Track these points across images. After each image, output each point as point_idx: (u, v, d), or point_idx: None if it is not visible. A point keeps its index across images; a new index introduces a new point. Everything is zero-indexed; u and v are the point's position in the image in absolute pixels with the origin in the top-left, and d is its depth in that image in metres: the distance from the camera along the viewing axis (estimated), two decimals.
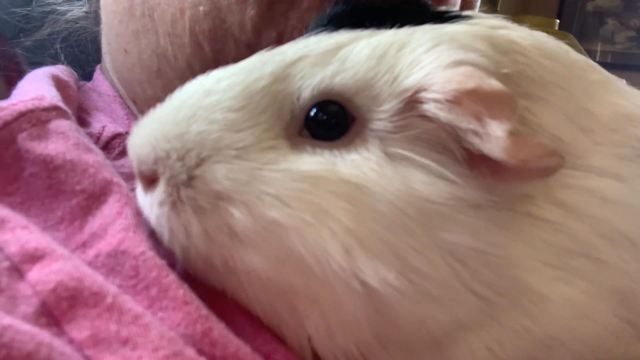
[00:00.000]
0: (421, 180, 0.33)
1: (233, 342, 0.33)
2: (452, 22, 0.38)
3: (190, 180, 0.35)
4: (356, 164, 0.34)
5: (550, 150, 0.32)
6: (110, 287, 0.31)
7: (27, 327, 0.27)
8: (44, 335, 0.27)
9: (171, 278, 0.34)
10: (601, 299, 0.35)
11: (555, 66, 0.37)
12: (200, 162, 0.35)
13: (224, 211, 0.34)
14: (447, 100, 0.33)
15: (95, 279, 0.31)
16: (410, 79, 0.34)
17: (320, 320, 0.34)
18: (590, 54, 2.86)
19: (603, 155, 0.36)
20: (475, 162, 0.34)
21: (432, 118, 0.34)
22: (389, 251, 0.33)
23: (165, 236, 0.36)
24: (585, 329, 0.35)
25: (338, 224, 0.33)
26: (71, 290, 0.30)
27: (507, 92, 0.32)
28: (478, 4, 0.54)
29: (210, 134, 0.35)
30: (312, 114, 0.35)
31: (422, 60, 0.34)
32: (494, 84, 0.32)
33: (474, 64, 0.33)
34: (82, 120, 0.52)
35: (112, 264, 0.34)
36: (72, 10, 0.64)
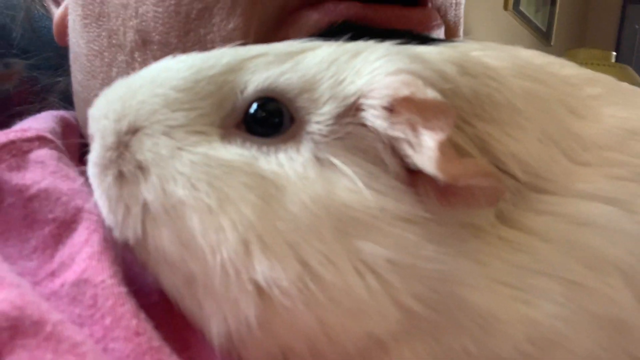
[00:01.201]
0: (346, 187, 0.31)
1: None
2: (433, 44, 0.37)
3: (118, 145, 0.34)
4: (280, 162, 0.32)
5: (486, 170, 0.30)
6: (53, 315, 0.30)
7: None
8: None
9: (126, 307, 0.33)
10: (576, 325, 0.31)
11: (533, 87, 0.34)
12: (134, 130, 0.34)
13: (142, 182, 0.33)
14: (382, 107, 0.31)
15: (38, 307, 0.30)
16: (353, 85, 0.33)
17: (219, 317, 0.32)
18: None
19: (592, 178, 0.33)
20: (417, 181, 0.32)
21: (370, 127, 0.32)
22: (291, 253, 0.30)
23: (96, 199, 0.35)
24: (550, 357, 0.31)
25: (241, 216, 0.31)
26: (12, 320, 0.29)
27: (444, 102, 0.30)
28: (461, 33, 0.52)
29: (148, 105, 0.34)
30: (252, 108, 0.34)
31: (369, 66, 0.33)
32: (429, 93, 0.30)
33: (414, 74, 0.31)
34: None
35: (74, 293, 0.34)
36: None
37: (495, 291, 0.31)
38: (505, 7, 2.93)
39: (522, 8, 3.03)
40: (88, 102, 0.49)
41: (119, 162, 0.34)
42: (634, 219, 0.32)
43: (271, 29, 0.43)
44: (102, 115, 0.35)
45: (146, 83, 0.35)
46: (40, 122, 0.48)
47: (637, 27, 3.51)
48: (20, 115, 0.52)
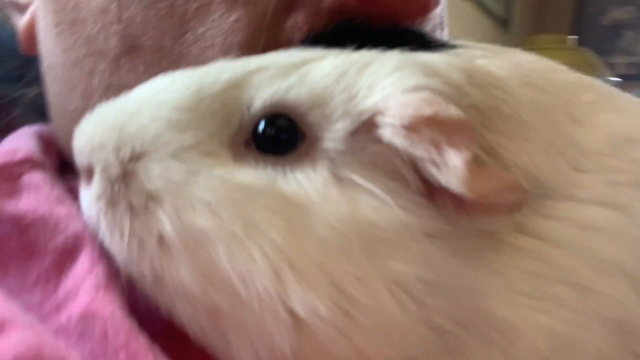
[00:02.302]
0: (369, 205, 0.31)
1: None
2: (436, 51, 0.37)
3: (124, 176, 0.32)
4: (299, 182, 0.32)
5: (513, 184, 0.30)
6: (72, 355, 0.29)
7: None
8: None
9: (140, 342, 0.32)
10: (589, 330, 0.32)
11: (538, 97, 0.35)
12: (137, 157, 0.32)
13: (154, 214, 0.31)
14: (403, 126, 0.31)
15: (56, 348, 0.29)
16: (368, 101, 0.32)
17: (249, 350, 0.31)
18: (610, 68, 2.86)
19: (592, 184, 0.34)
20: (436, 193, 0.32)
21: (387, 143, 0.32)
22: (324, 278, 0.30)
23: (104, 237, 0.33)
24: None
25: (270, 243, 0.30)
26: None
27: (467, 119, 0.30)
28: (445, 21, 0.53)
29: (151, 129, 0.32)
30: (260, 126, 0.33)
31: (382, 82, 0.32)
32: (452, 111, 0.30)
33: (433, 90, 0.31)
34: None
35: (82, 327, 0.32)
36: None
37: (515, 302, 0.32)
38: None
39: None
40: (67, 115, 0.46)
41: (127, 194, 0.32)
42: (635, 223, 0.34)
43: (276, 15, 0.41)
44: (97, 146, 0.33)
45: (142, 107, 0.33)
46: (24, 142, 0.44)
47: (595, 10, 3.65)
48: None
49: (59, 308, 0.33)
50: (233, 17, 0.40)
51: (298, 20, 0.41)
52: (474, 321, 0.32)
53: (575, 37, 2.96)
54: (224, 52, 0.40)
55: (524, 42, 2.89)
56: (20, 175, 0.39)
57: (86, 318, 0.32)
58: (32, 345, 0.29)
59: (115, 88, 0.42)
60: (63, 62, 0.46)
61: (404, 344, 0.31)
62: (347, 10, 0.40)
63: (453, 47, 0.38)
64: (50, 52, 0.47)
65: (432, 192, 0.32)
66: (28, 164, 0.40)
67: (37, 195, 0.38)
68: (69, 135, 0.46)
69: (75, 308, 0.33)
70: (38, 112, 0.54)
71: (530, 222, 0.33)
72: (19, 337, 0.29)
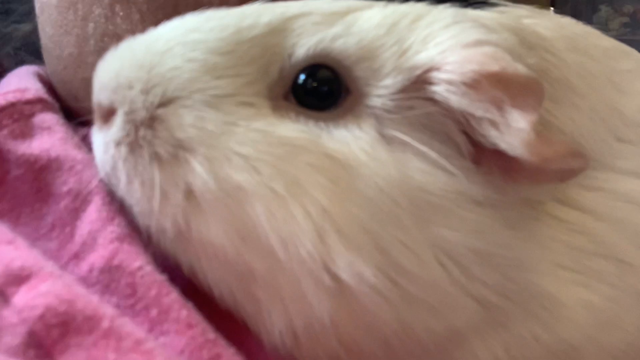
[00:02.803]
0: (419, 168, 0.29)
1: None
2: (478, 8, 0.34)
3: (151, 121, 0.29)
4: (345, 140, 0.29)
5: (576, 150, 0.29)
6: (107, 309, 0.28)
7: None
8: None
9: (173, 297, 0.29)
10: (628, 306, 0.32)
11: (585, 62, 0.34)
12: (167, 102, 0.29)
13: (184, 164, 0.28)
14: (463, 83, 0.28)
15: (89, 300, 0.28)
16: (422, 55, 0.30)
17: (282, 316, 0.29)
18: None
19: (634, 155, 0.33)
20: (484, 158, 0.30)
21: (440, 102, 0.29)
22: (370, 242, 0.28)
23: (120, 184, 0.30)
24: (609, 338, 0.32)
25: (314, 203, 0.27)
26: (62, 315, 0.26)
27: (535, 79, 0.28)
28: None
29: (184, 72, 0.30)
30: (302, 77, 0.30)
31: (439, 35, 0.30)
32: (520, 68, 0.28)
33: (498, 45, 0.29)
34: None
35: (106, 280, 0.30)
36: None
37: (558, 276, 0.31)
38: None
39: None
40: (61, 61, 0.42)
41: (153, 141, 0.29)
42: None
43: None
44: (123, 85, 0.30)
45: (174, 45, 0.30)
46: (32, 82, 0.41)
47: None
48: None
49: (77, 257, 0.31)
50: None
51: None
52: (519, 294, 0.30)
53: (551, 8, 2.97)
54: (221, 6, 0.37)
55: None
56: (32, 115, 0.36)
57: (110, 271, 0.30)
58: (63, 296, 0.27)
59: (110, 37, 0.39)
60: (57, 3, 0.43)
61: (450, 316, 0.29)
62: None
63: (495, 4, 0.35)
64: None
65: (479, 157, 0.30)
66: (39, 104, 0.37)
67: (50, 137, 0.35)
68: (65, 82, 0.43)
69: (96, 260, 0.30)
70: (33, 51, 0.50)
71: (571, 193, 0.32)
72: (48, 287, 0.27)
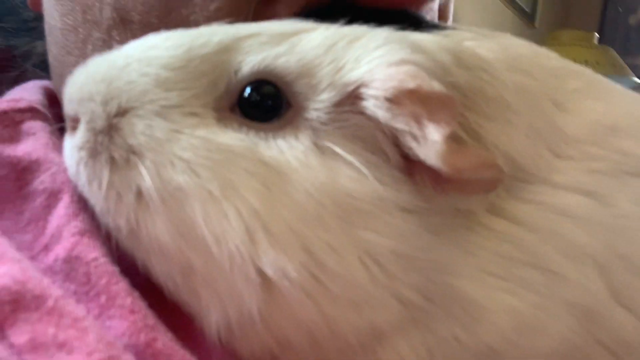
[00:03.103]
0: (347, 176, 0.31)
1: (178, 353, 0.32)
2: (427, 31, 0.37)
3: (109, 129, 0.33)
4: (281, 149, 0.32)
5: (489, 161, 0.31)
6: (54, 291, 0.31)
7: None
8: None
9: (120, 286, 0.33)
10: (554, 314, 0.33)
11: (524, 81, 0.36)
12: (122, 112, 0.33)
13: (134, 168, 0.32)
14: (386, 99, 0.31)
15: (39, 282, 0.31)
16: (354, 73, 0.33)
17: (218, 309, 0.32)
18: (635, 69, 2.80)
19: (572, 171, 0.35)
20: (414, 169, 0.32)
21: (370, 116, 0.32)
22: (296, 242, 0.30)
23: (82, 185, 0.34)
24: (532, 343, 0.33)
25: (245, 204, 0.30)
26: (14, 294, 0.30)
27: (449, 96, 0.30)
28: (451, 14, 0.53)
29: (138, 85, 0.33)
30: (246, 91, 0.33)
31: (370, 55, 0.33)
32: (435, 85, 0.30)
33: (419, 65, 0.31)
34: None
35: (67, 269, 0.34)
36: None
37: (483, 281, 0.33)
38: None
39: None
40: (63, 78, 0.47)
41: (110, 147, 0.32)
42: (610, 212, 0.34)
43: (256, 7, 0.41)
44: (85, 97, 0.33)
45: (132, 62, 0.34)
46: (31, 93, 0.46)
47: (619, 9, 3.60)
48: None
49: (46, 248, 0.34)
50: (214, 6, 0.41)
51: (278, 12, 0.41)
52: (441, 296, 0.32)
53: (600, 35, 2.91)
54: None
55: (548, 37, 2.87)
56: (21, 122, 0.41)
57: (70, 261, 0.33)
58: (17, 278, 0.30)
59: None
60: (61, 26, 0.47)
61: (371, 313, 0.31)
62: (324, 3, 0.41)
63: (443, 29, 0.38)
64: (51, 14, 0.48)
65: (411, 168, 0.33)
66: (30, 112, 0.41)
67: (34, 142, 0.39)
68: None
69: (61, 250, 0.34)
70: (46, 67, 0.54)
71: (505, 205, 0.34)
72: (6, 269, 0.30)
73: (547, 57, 0.39)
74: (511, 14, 3.10)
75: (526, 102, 0.35)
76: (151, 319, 0.32)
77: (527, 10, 3.29)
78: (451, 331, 0.33)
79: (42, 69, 0.58)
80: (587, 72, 0.40)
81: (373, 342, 0.32)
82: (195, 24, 0.40)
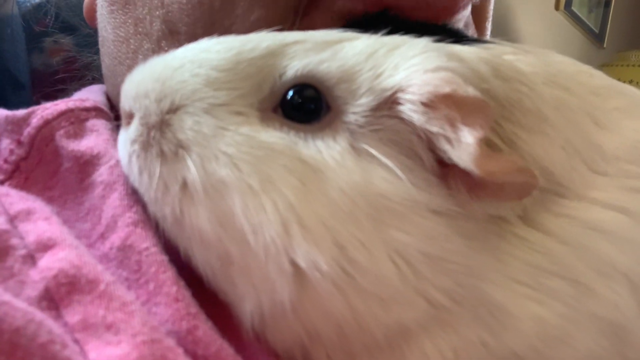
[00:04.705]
0: (382, 177, 0.33)
1: (216, 342, 0.33)
2: (468, 44, 0.38)
3: (161, 124, 0.35)
4: (318, 149, 0.34)
5: (522, 167, 0.31)
6: (106, 276, 0.33)
7: (22, 306, 0.28)
8: (37, 315, 0.28)
9: (168, 274, 0.35)
10: (581, 326, 0.33)
11: (564, 97, 0.36)
12: (174, 109, 0.35)
13: (182, 160, 0.34)
14: (422, 103, 0.32)
15: (94, 268, 0.33)
16: (392, 79, 0.34)
17: (253, 298, 0.33)
18: None
19: (608, 188, 0.35)
20: (449, 174, 0.33)
21: (406, 121, 0.33)
22: (329, 237, 0.31)
23: (133, 176, 0.36)
24: (556, 353, 0.33)
25: (282, 198, 0.32)
26: (70, 277, 0.32)
27: (483, 100, 0.31)
28: (490, 14, 0.54)
29: (190, 84, 0.35)
30: (289, 94, 0.35)
31: (407, 62, 0.34)
32: (470, 90, 0.31)
33: (454, 72, 0.33)
34: None
35: (121, 257, 0.36)
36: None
37: (512, 289, 0.33)
38: (557, 7, 2.83)
39: (574, 8, 2.93)
40: (115, 87, 0.50)
41: (161, 140, 0.34)
42: None
43: (295, 17, 0.44)
44: (141, 94, 0.36)
45: (186, 63, 0.36)
46: (95, 95, 0.49)
47: None
48: (64, 91, 0.53)
49: (103, 237, 0.37)
50: (254, 16, 0.44)
51: (314, 23, 0.43)
52: (469, 300, 0.33)
53: None
54: None
55: (617, 58, 2.80)
56: (86, 119, 0.44)
57: (124, 249, 0.36)
58: (74, 262, 0.33)
59: None
60: (114, 38, 0.51)
61: (399, 311, 0.32)
62: (356, 15, 0.43)
63: (484, 42, 0.39)
64: (104, 27, 0.52)
65: (445, 172, 0.34)
66: (94, 111, 0.45)
67: (97, 138, 0.42)
68: (118, 104, 0.51)
69: (116, 239, 0.36)
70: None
71: (539, 217, 0.34)
72: (65, 254, 0.33)
73: (589, 75, 0.40)
74: (579, 34, 3.05)
75: (564, 116, 0.36)
76: (194, 307, 0.34)
77: (595, 30, 3.23)
78: (478, 335, 0.33)
79: (101, 80, 0.62)
80: (634, 91, 0.40)
81: (399, 340, 0.33)
82: (237, 33, 0.43)
